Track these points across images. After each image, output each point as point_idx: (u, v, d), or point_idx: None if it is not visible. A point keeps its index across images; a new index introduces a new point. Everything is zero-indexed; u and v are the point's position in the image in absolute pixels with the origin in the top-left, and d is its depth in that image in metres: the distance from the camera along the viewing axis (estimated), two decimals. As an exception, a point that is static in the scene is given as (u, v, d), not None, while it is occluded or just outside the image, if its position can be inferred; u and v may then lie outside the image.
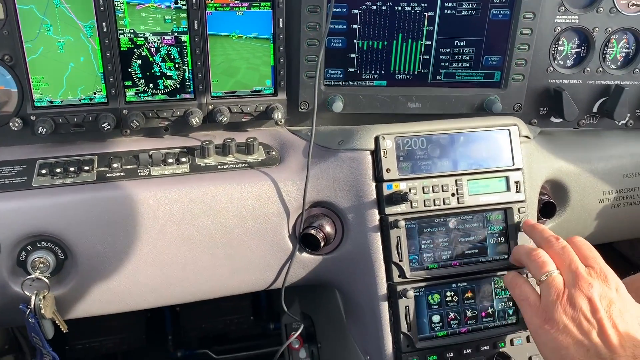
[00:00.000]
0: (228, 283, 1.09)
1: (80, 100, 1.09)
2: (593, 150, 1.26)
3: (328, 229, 1.09)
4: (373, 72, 1.19)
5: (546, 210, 1.20)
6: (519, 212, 1.11)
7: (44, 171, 1.03)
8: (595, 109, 1.30)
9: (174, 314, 1.96)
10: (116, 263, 1.01)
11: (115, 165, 1.06)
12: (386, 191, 1.05)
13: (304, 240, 1.08)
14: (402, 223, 1.03)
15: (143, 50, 1.08)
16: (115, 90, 1.09)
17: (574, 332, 0.83)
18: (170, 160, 1.08)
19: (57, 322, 1.01)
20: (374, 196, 1.05)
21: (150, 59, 1.09)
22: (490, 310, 1.09)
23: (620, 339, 0.81)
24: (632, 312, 0.85)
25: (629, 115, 1.31)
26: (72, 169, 1.04)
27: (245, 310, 1.96)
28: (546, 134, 1.28)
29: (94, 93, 1.09)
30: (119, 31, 1.05)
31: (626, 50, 1.27)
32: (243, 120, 1.17)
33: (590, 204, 1.26)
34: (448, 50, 1.19)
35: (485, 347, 1.07)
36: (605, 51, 1.25)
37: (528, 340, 1.09)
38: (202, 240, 1.04)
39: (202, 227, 1.03)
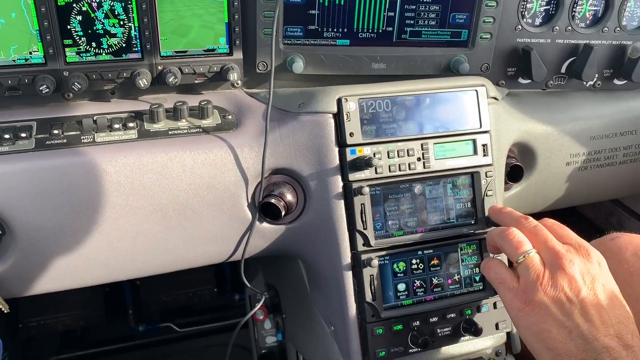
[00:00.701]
0: (183, 256, 1.03)
1: (14, 60, 0.99)
2: (561, 112, 1.23)
3: (289, 197, 1.04)
4: (335, 30, 1.12)
5: (513, 174, 1.17)
6: (486, 177, 1.07)
7: (-25, 139, 0.94)
8: (563, 70, 1.27)
9: (134, 287, 1.89)
10: (60, 237, 0.94)
11: (55, 131, 0.97)
12: (349, 156, 0.99)
13: (264, 209, 1.02)
14: (366, 189, 0.98)
15: (83, 5, 0.98)
16: (54, 49, 0.99)
17: (556, 314, 0.80)
18: (116, 126, 1.00)
19: (-3, 301, 0.94)
20: (337, 162, 1.00)
21: (92, 14, 1.00)
22: (456, 277, 1.06)
23: (604, 317, 0.78)
24: (613, 286, 0.82)
25: (597, 75, 1.28)
26: (7, 136, 0.95)
27: (209, 282, 1.91)
28: (514, 96, 1.24)
29: (30, 53, 0.99)
30: (54, -17, 0.95)
31: (595, 8, 1.23)
32: (196, 82, 1.09)
33: (557, 167, 1.23)
34: (414, 7, 1.13)
35: (452, 315, 1.05)
36: (574, 9, 1.21)
37: (495, 307, 1.07)
38: (153, 212, 0.97)
39: (153, 197, 0.96)
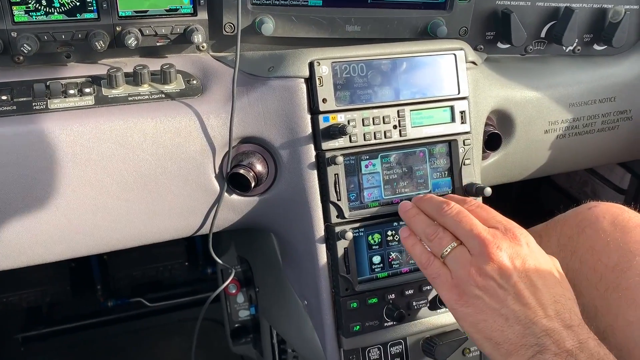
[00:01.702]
0: (147, 230, 0.97)
1: (-45, 19, 0.91)
2: (540, 78, 1.20)
3: (259, 167, 0.98)
4: (307, -11, 1.06)
5: (491, 142, 1.14)
6: (464, 145, 1.03)
7: None
8: (543, 34, 1.22)
9: (102, 262, 1.84)
10: (10, 211, 0.87)
11: (4, 97, 0.89)
12: (322, 124, 0.94)
13: (233, 180, 0.97)
14: (340, 159, 0.94)
15: (30, -42, 0.90)
16: (0, 7, 0.91)
17: (490, 303, 0.77)
18: (71, 92, 0.92)
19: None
20: (309, 130, 0.95)
21: (40, -31, 0.91)
22: (433, 249, 1.03)
23: (540, 298, 0.76)
24: (545, 265, 0.80)
25: (577, 40, 1.25)
26: (-51, 102, 0.87)
27: (180, 255, 1.86)
28: (492, 61, 1.20)
29: (-27, 11, 0.91)
30: None
31: (577, -30, 1.19)
32: (158, 44, 1.02)
33: (535, 135, 1.20)
34: (390, -35, 1.07)
35: (428, 287, 1.02)
36: (555, -30, 1.16)
37: (471, 278, 1.05)
38: (112, 184, 0.91)
39: (112, 168, 0.90)
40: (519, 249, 0.79)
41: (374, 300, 0.99)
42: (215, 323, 1.81)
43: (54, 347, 1.90)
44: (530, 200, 2.02)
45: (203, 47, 1.07)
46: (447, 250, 0.82)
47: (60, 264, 1.70)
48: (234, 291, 1.57)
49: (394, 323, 1.00)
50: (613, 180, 1.68)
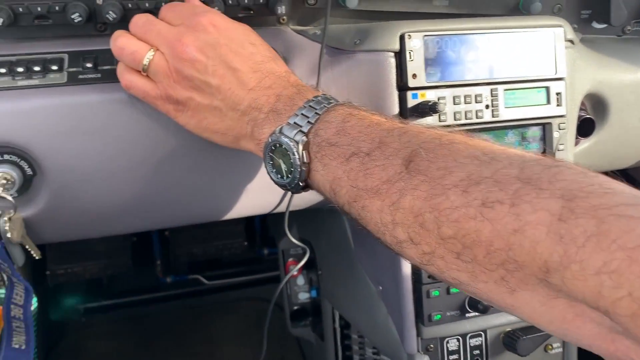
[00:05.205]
0: (225, 206, 0.95)
1: (43, -15, 0.90)
2: (639, 62, 1.11)
3: (340, 145, 0.94)
4: (394, -40, 1.01)
5: (583, 127, 1.07)
6: (559, 129, 0.97)
7: (2, 70, 0.86)
8: (644, 13, 1.14)
9: (163, 238, 1.84)
10: (92, 181, 0.86)
11: (89, 65, 0.88)
12: (411, 101, 0.89)
13: (313, 157, 0.94)
14: (427, 138, 0.89)
15: None
16: (87, -27, 0.89)
17: (201, 101, 0.77)
18: (154, 61, 0.90)
19: (27, 247, 0.88)
20: (397, 107, 0.90)
21: None
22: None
23: (239, 77, 0.75)
24: (237, 39, 0.78)
25: (681, 21, 1.15)
26: (37, 68, 0.86)
27: (239, 234, 1.85)
28: (586, 42, 1.12)
29: (60, -23, 0.90)
30: None
31: (685, -57, 1.09)
32: (240, 16, 0.99)
33: (631, 122, 1.12)
34: (474, -64, 1.00)
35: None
36: (663, -57, 1.07)
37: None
38: (194, 158, 0.89)
39: (197, 142, 0.87)
40: (205, 37, 0.76)
41: (457, 289, 0.94)
42: (270, 303, 1.79)
43: (112, 320, 1.93)
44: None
45: (284, 19, 1.04)
46: (145, 63, 0.79)
47: (124, 237, 1.72)
48: (295, 273, 1.55)
49: (476, 314, 0.95)
50: None
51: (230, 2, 0.96)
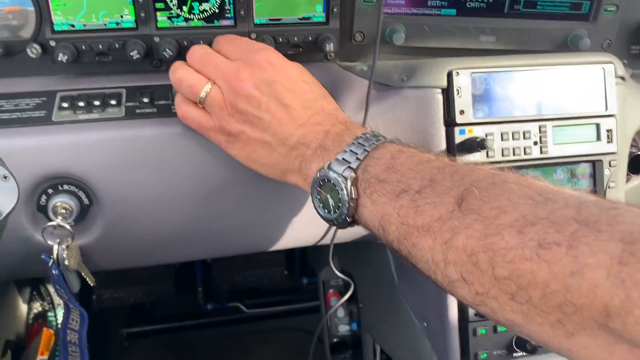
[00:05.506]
0: (271, 237, 0.97)
1: (105, 24, 0.95)
2: (692, 97, 1.08)
3: (386, 179, 0.95)
4: (441, -2, 1.02)
5: (635, 164, 1.05)
6: (610, 166, 0.95)
7: (65, 104, 0.91)
8: (697, 49, 1.11)
9: (205, 265, 1.87)
10: (146, 211, 0.89)
11: (145, 100, 0.92)
12: (458, 137, 0.90)
13: (359, 191, 0.94)
14: (474, 175, 0.89)
15: (177, -33, 0.93)
16: (146, 13, 0.94)
17: (252, 134, 0.79)
18: (207, 96, 0.94)
19: (83, 274, 0.91)
20: (444, 143, 0.91)
21: (185, -24, 0.94)
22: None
23: (291, 113, 0.78)
24: (291, 77, 0.81)
25: None
26: (96, 102, 0.91)
27: (279, 263, 1.86)
28: (637, 78, 1.10)
29: (121, 16, 0.95)
30: (149, -58, 0.90)
31: None
32: (289, 53, 1.02)
33: (685, 159, 1.09)
34: (530, -26, 1.01)
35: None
36: None
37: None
38: (245, 190, 0.91)
39: (246, 173, 0.90)
40: (261, 74, 0.79)
41: (504, 327, 0.92)
42: (310, 335, 1.79)
43: (154, 345, 1.96)
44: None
45: (331, 56, 1.06)
46: (202, 96, 0.81)
47: (168, 264, 1.76)
48: (337, 305, 1.55)
49: (524, 354, 0.93)
50: None
51: (280, 39, 1.00)
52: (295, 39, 1.01)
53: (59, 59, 0.91)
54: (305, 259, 2.01)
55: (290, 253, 1.97)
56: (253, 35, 0.99)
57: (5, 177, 0.64)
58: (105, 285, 1.74)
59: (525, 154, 0.92)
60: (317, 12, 1.02)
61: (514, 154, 0.91)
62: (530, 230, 0.52)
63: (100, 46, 0.94)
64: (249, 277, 1.84)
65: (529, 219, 0.53)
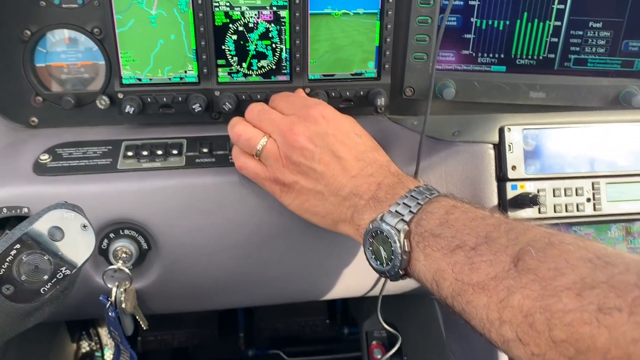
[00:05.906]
0: (320, 287, 0.98)
1: (169, 79, 1.01)
2: None
3: (435, 232, 0.96)
4: (491, 55, 1.05)
5: (693, 223, 1.02)
6: (667, 225, 0.93)
7: (130, 153, 0.96)
8: None
9: (248, 311, 1.88)
10: (201, 257, 0.92)
11: (205, 150, 0.97)
12: (510, 192, 0.90)
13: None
14: (526, 230, 0.88)
15: (239, 26, 0.99)
16: (208, 69, 1.00)
17: (306, 185, 0.83)
18: (263, 147, 0.98)
19: (137, 317, 0.94)
20: (496, 198, 0.91)
21: (248, 36, 0.99)
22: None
23: (343, 165, 0.81)
24: (344, 131, 0.84)
25: None
26: (159, 152, 0.96)
27: (321, 312, 1.85)
28: (692, 134, 1.09)
29: (185, 72, 1.01)
30: (214, 4, 0.96)
31: None
32: (341, 106, 1.06)
33: None
34: (581, 32, 1.03)
35: None
36: None
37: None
38: (298, 238, 0.93)
39: (299, 223, 0.92)
40: (315, 127, 0.82)
41: (558, 389, 0.90)
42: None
43: (193, 389, 1.96)
44: None
45: (381, 109, 1.09)
46: (259, 149, 0.85)
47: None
48: (379, 357, 1.53)
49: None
50: None
51: (332, 94, 1.04)
52: (347, 93, 1.04)
53: (126, 111, 0.97)
54: (347, 309, 1.99)
55: (332, 302, 1.96)
56: (307, 90, 1.03)
57: (85, 227, 0.68)
58: (151, 327, 1.76)
59: (578, 210, 0.91)
60: (369, 69, 1.06)
61: (566, 211, 0.91)
62: (590, 294, 0.52)
63: (164, 99, 1.00)
64: (291, 324, 1.83)
65: (588, 282, 0.52)
